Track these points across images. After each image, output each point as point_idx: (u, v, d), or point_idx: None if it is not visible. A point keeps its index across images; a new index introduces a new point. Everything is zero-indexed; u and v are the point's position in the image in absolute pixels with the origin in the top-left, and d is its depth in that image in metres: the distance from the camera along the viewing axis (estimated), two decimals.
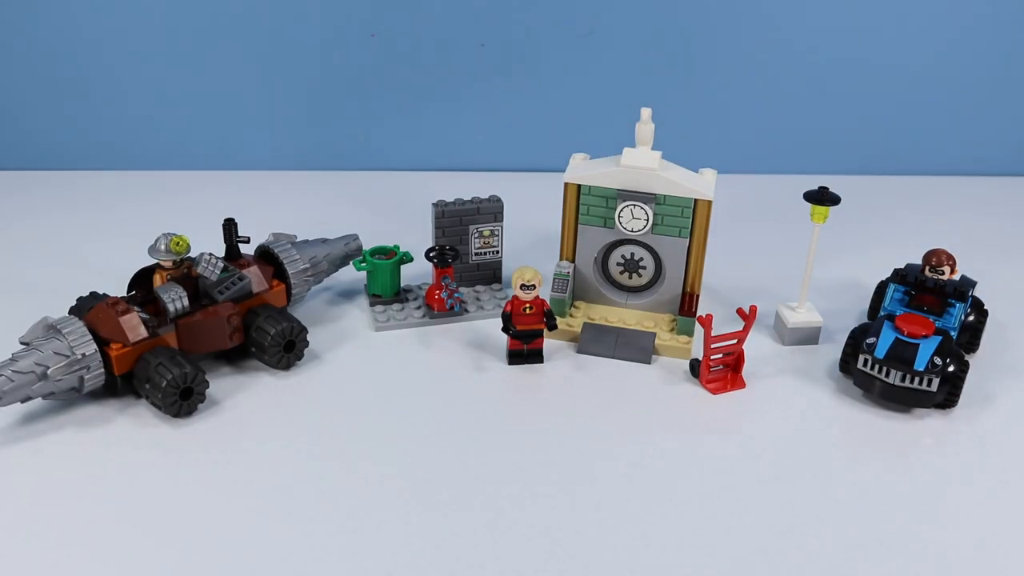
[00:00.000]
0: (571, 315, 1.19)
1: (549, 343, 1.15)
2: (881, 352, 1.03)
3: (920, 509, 0.92)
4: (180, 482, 0.92)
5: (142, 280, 1.09)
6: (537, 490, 0.93)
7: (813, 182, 1.16)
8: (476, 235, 1.24)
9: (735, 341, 1.07)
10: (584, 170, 1.14)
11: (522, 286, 1.09)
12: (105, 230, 1.42)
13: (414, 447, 0.98)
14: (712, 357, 1.07)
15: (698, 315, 1.11)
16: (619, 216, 1.14)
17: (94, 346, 0.98)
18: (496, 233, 1.25)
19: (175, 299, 1.04)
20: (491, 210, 1.23)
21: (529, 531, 0.88)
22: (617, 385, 1.09)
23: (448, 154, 1.67)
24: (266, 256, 1.17)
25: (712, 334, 1.05)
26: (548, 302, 1.13)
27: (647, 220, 1.13)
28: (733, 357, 1.09)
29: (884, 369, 1.03)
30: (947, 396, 1.04)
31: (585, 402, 1.06)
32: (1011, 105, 1.65)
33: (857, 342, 1.07)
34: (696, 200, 1.12)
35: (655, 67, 1.59)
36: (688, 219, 1.13)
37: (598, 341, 1.15)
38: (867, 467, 0.97)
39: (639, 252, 1.18)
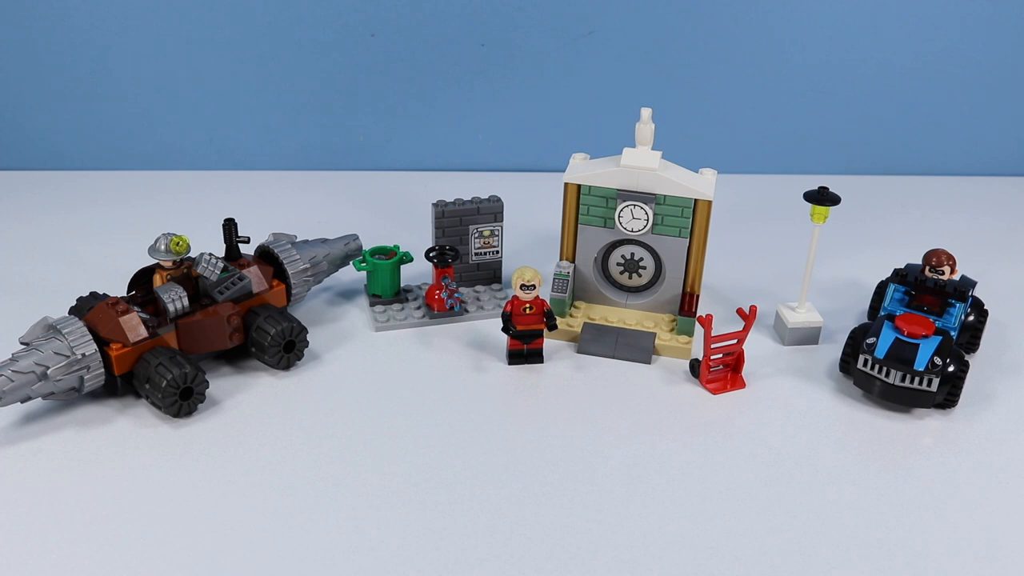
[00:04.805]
0: (571, 315, 1.19)
1: (549, 343, 1.15)
2: (881, 352, 1.03)
3: (920, 509, 0.92)
4: (180, 482, 0.92)
5: (142, 280, 1.09)
6: (537, 490, 0.92)
7: (813, 182, 1.16)
8: (476, 235, 1.24)
9: (735, 341, 1.07)
10: (584, 170, 1.14)
11: (522, 286, 1.09)
12: (105, 230, 1.42)
13: (414, 447, 0.98)
14: (712, 357, 1.07)
15: (698, 315, 1.11)
16: (619, 216, 1.14)
17: (94, 346, 0.98)
18: (496, 233, 1.24)
19: (175, 299, 1.04)
20: (491, 210, 1.23)
21: (529, 531, 0.87)
22: (617, 385, 1.09)
23: (448, 154, 1.67)
24: (266, 256, 1.17)
25: (712, 334, 1.05)
26: (548, 302, 1.13)
27: (647, 220, 1.13)
28: (733, 357, 1.09)
29: (884, 369, 1.03)
30: (947, 396, 1.03)
31: (585, 402, 1.06)
32: (1011, 105, 1.65)
33: (857, 342, 1.07)
34: (696, 200, 1.12)
35: (655, 67, 1.59)
36: (688, 219, 1.13)
37: (598, 341, 1.15)
38: (867, 467, 0.97)
39: (639, 252, 1.18)
